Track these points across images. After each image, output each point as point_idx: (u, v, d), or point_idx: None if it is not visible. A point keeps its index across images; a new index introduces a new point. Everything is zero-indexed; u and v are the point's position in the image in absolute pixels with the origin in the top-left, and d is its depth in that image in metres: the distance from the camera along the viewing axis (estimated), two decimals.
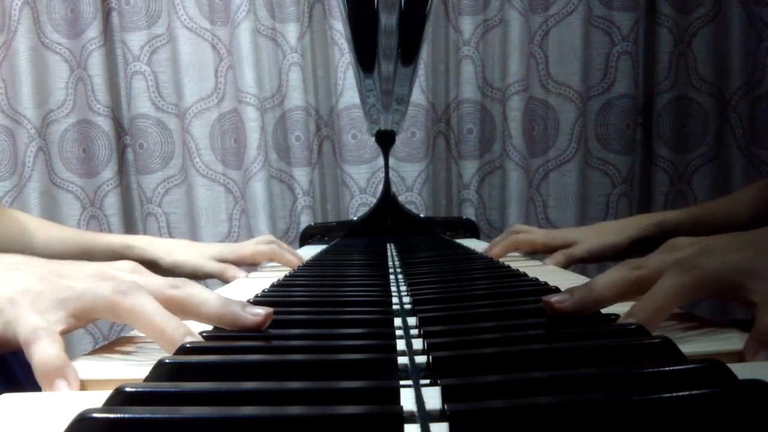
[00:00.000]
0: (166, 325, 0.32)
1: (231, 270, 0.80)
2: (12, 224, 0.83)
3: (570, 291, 0.35)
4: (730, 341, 0.32)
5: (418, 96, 1.46)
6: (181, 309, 0.35)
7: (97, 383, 0.29)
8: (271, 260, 0.85)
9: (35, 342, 0.30)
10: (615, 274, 0.36)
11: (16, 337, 0.31)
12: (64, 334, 0.32)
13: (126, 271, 0.38)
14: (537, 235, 0.84)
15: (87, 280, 0.34)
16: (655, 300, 0.33)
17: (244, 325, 0.34)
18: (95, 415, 0.20)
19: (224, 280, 0.79)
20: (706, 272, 0.33)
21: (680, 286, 0.33)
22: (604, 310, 0.35)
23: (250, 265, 0.85)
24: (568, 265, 0.77)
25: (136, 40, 1.51)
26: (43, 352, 0.29)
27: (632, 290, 0.35)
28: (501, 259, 0.78)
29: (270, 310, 0.35)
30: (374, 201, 1.21)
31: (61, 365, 0.29)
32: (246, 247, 0.85)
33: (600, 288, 0.35)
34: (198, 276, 0.82)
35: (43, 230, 0.84)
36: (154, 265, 0.81)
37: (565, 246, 0.79)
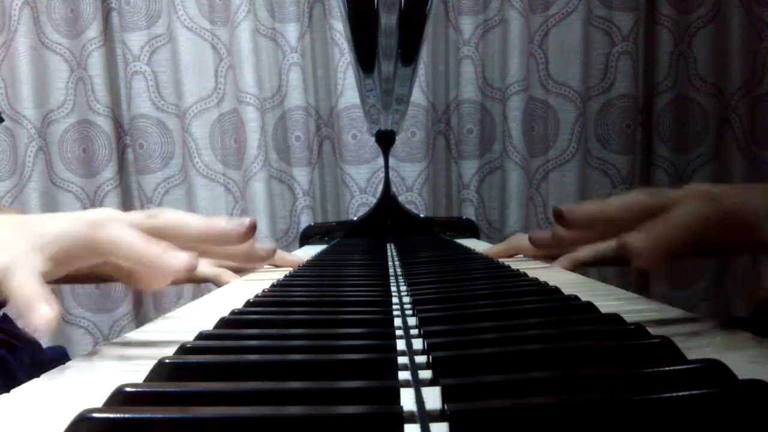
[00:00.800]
0: (150, 250, 0.31)
1: (226, 275, 0.80)
2: None
3: (580, 204, 0.34)
4: (730, 340, 0.32)
5: (418, 96, 1.46)
6: (163, 237, 0.33)
7: None
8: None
9: (11, 277, 0.29)
10: (631, 197, 0.34)
11: None
12: (47, 280, 0.31)
13: (108, 211, 0.36)
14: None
15: (60, 223, 0.33)
16: (668, 224, 0.30)
17: (229, 237, 0.34)
18: (95, 414, 0.20)
19: (218, 284, 0.79)
20: (726, 206, 0.31)
21: (698, 214, 0.31)
22: (605, 306, 0.35)
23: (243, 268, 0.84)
24: (575, 267, 0.76)
25: (136, 40, 1.51)
26: (22, 283, 0.28)
27: (645, 216, 0.32)
28: (501, 259, 0.78)
29: (253, 219, 0.34)
30: (374, 201, 1.21)
31: (40, 292, 0.28)
32: None
33: (614, 207, 0.34)
34: (194, 280, 0.82)
35: None
36: None
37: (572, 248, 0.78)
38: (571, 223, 0.33)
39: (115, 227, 0.32)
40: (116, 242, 0.31)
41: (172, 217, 0.35)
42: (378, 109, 0.92)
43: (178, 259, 0.31)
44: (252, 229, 0.34)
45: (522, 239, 0.84)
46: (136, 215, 0.35)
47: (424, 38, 0.70)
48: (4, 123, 1.49)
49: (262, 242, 0.37)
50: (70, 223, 0.33)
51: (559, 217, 0.33)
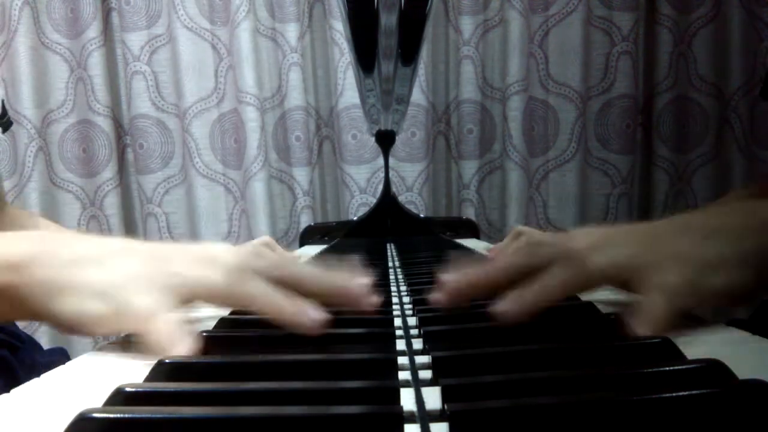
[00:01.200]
0: (288, 307, 0.32)
1: None
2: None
3: (462, 271, 0.35)
4: (730, 340, 0.32)
5: (418, 96, 1.46)
6: (290, 288, 0.34)
7: None
8: None
9: (151, 320, 0.31)
10: (509, 258, 0.36)
11: (129, 321, 0.31)
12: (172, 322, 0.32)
13: (229, 254, 0.36)
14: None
15: (192, 266, 0.34)
16: (534, 290, 0.32)
17: (349, 299, 0.34)
18: (95, 414, 0.20)
19: None
20: (591, 270, 0.33)
21: (563, 282, 0.33)
22: (605, 306, 0.35)
23: None
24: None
25: (136, 40, 1.51)
26: (164, 327, 0.30)
27: (522, 276, 0.34)
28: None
29: (370, 282, 0.35)
30: (374, 201, 1.21)
31: (180, 333, 0.30)
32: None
33: (492, 273, 0.35)
34: None
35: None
36: None
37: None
38: (454, 297, 0.35)
39: (251, 283, 0.33)
40: (255, 298, 0.33)
41: (296, 269, 0.36)
42: (378, 109, 0.92)
43: (314, 317, 0.32)
44: (372, 295, 0.34)
45: (524, 232, 0.84)
46: (263, 265, 0.35)
47: (424, 38, 0.70)
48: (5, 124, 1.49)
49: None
50: (203, 270, 0.34)
51: (441, 288, 0.35)
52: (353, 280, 0.35)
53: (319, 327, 0.31)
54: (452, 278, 0.35)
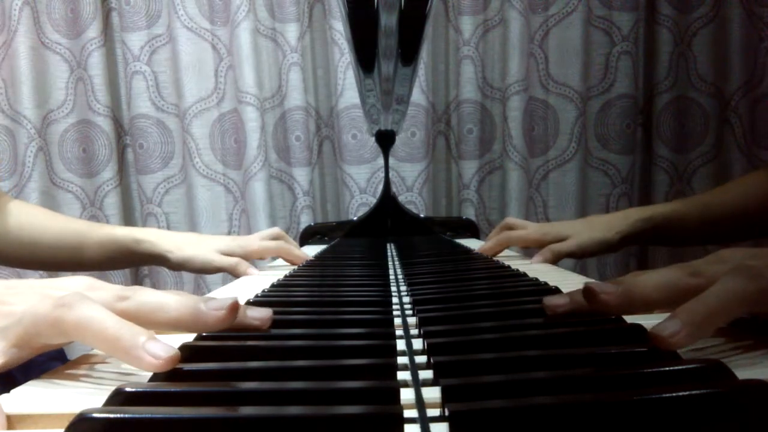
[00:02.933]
0: (121, 334, 0.27)
1: (243, 265, 0.78)
2: (18, 214, 0.84)
3: (615, 283, 0.32)
4: (730, 341, 0.32)
5: (418, 96, 1.46)
6: (136, 321, 0.30)
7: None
8: (277, 257, 0.84)
9: None
10: (669, 276, 0.32)
11: None
12: (6, 368, 0.29)
13: (79, 286, 0.33)
14: (529, 231, 0.82)
15: (29, 301, 0.30)
16: (709, 304, 0.28)
17: (206, 325, 0.31)
18: (95, 415, 0.20)
19: (235, 275, 0.78)
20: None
21: (741, 292, 0.28)
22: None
23: (257, 259, 0.84)
24: (556, 261, 0.76)
25: (136, 40, 1.51)
26: None
27: (681, 299, 0.30)
28: (499, 257, 0.79)
29: (234, 300, 0.31)
30: (374, 201, 1.20)
31: None
32: (253, 242, 0.84)
33: (649, 288, 0.31)
34: (208, 270, 0.81)
35: (50, 221, 0.84)
36: (162, 260, 0.81)
37: (557, 241, 0.78)
38: (605, 308, 0.31)
39: (84, 308, 0.28)
40: (85, 326, 0.28)
41: (147, 299, 0.31)
42: (378, 109, 0.91)
43: (156, 354, 0.27)
44: (234, 310, 0.31)
45: (513, 224, 0.84)
46: (106, 296, 0.31)
47: (424, 38, 0.70)
48: (3, 125, 1.49)
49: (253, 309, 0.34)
50: (34, 304, 0.29)
51: (592, 297, 0.32)
52: (208, 303, 0.31)
53: (163, 364, 0.26)
54: (607, 293, 0.31)
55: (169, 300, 0.31)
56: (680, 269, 0.32)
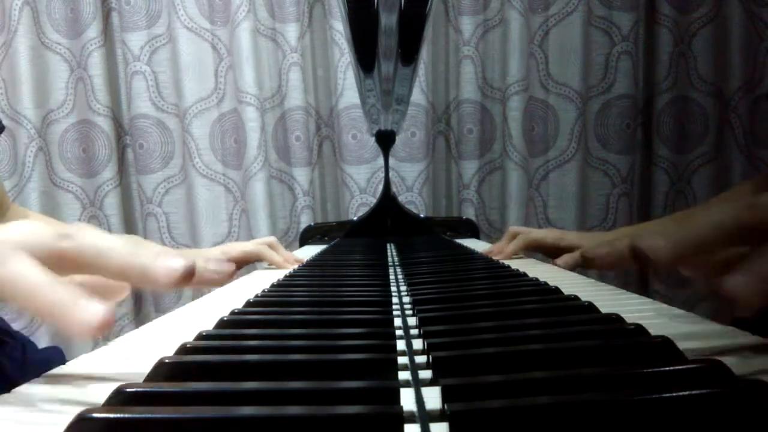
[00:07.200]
0: (54, 295, 0.24)
1: (209, 271, 0.80)
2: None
3: (658, 231, 0.28)
4: (731, 341, 0.32)
5: (418, 96, 1.46)
6: (77, 265, 0.28)
7: None
8: (259, 260, 0.85)
9: None
10: (722, 212, 0.27)
11: None
12: None
13: (15, 230, 0.28)
14: (545, 234, 0.83)
15: None
16: None
17: (155, 282, 0.27)
18: (95, 415, 0.20)
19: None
20: None
21: None
22: (605, 306, 0.35)
23: (242, 263, 0.84)
24: (575, 268, 0.76)
25: (136, 40, 1.51)
26: None
27: (739, 238, 0.26)
28: (497, 257, 0.79)
29: (191, 263, 0.28)
30: (374, 201, 1.21)
31: None
32: (236, 248, 0.85)
33: (704, 229, 0.27)
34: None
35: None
36: None
37: (571, 249, 0.79)
38: (656, 262, 0.27)
39: (15, 264, 0.25)
40: (13, 283, 0.25)
41: (89, 240, 0.28)
42: (378, 109, 0.92)
43: (89, 314, 0.24)
44: (190, 276, 0.28)
45: (521, 232, 0.84)
46: (46, 235, 0.27)
47: (424, 38, 0.70)
48: (3, 123, 1.49)
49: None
50: None
51: (640, 256, 0.27)
52: (159, 258, 0.28)
53: (94, 329, 0.24)
54: (653, 243, 0.27)
55: (117, 245, 0.28)
56: (734, 205, 0.27)
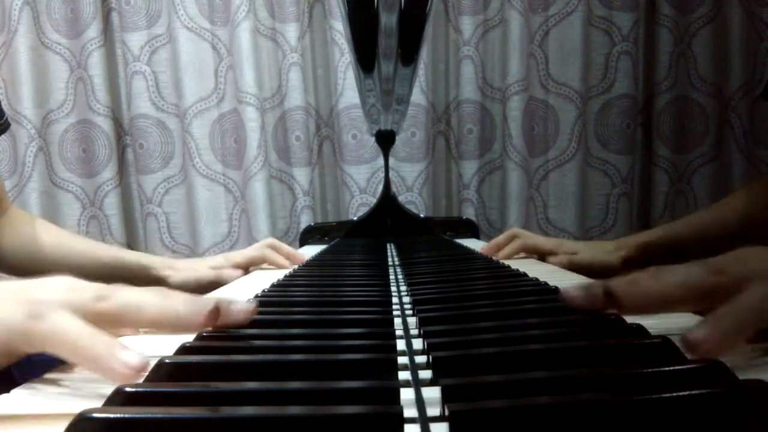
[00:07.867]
0: (94, 347, 0.27)
1: (225, 272, 0.81)
2: (21, 226, 0.84)
3: (634, 282, 0.31)
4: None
5: (418, 96, 1.46)
6: (115, 322, 0.30)
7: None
8: (264, 264, 0.85)
9: None
10: (690, 273, 0.30)
11: None
12: None
13: (56, 289, 0.31)
14: (542, 241, 0.85)
15: (5, 307, 0.29)
16: (740, 315, 0.26)
17: (189, 325, 0.31)
18: (95, 415, 0.20)
19: (224, 283, 0.79)
20: None
21: None
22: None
23: (247, 268, 0.85)
24: (570, 268, 0.77)
25: (136, 40, 1.51)
26: None
27: (704, 299, 0.29)
28: (490, 252, 0.80)
29: (216, 303, 0.31)
30: (374, 201, 1.20)
31: None
32: (239, 255, 0.85)
33: (672, 287, 0.30)
34: (202, 285, 0.82)
35: (55, 239, 0.85)
36: (163, 284, 0.82)
37: (570, 253, 0.81)
38: (625, 308, 0.31)
39: (57, 319, 0.27)
40: (56, 339, 0.27)
41: (126, 299, 0.30)
42: (378, 109, 0.92)
43: (127, 362, 0.26)
44: (215, 315, 0.31)
45: (521, 234, 0.85)
46: (84, 296, 0.30)
47: (424, 38, 0.70)
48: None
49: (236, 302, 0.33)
50: (5, 313, 0.28)
51: (611, 299, 0.31)
52: (188, 304, 0.31)
53: (132, 374, 0.26)
54: (626, 289, 0.30)
55: (150, 299, 0.31)
56: (702, 266, 0.30)
